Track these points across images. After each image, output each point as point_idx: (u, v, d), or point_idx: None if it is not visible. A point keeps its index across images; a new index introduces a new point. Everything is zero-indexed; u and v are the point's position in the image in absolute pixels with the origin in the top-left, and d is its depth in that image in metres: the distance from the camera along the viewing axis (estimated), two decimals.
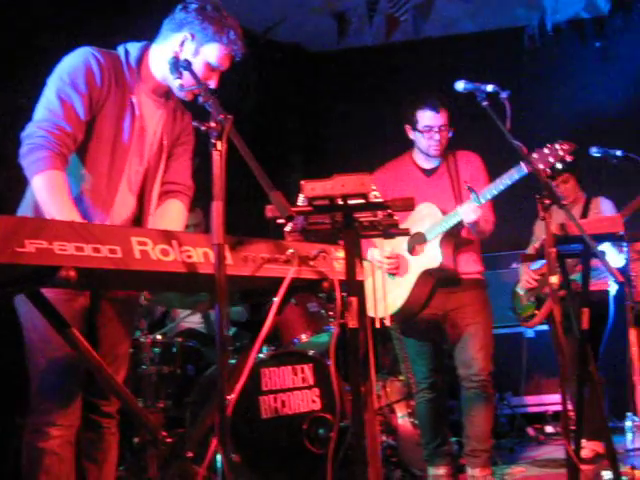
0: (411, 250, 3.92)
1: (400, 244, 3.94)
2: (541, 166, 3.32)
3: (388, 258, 3.90)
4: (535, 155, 3.36)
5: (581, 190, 4.97)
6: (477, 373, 3.87)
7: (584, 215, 4.79)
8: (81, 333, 2.28)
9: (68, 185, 2.47)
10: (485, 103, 3.16)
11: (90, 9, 5.01)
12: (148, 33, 2.78)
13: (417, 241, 3.88)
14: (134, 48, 2.73)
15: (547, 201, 2.97)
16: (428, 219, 3.83)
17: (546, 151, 3.33)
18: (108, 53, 2.68)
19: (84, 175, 2.62)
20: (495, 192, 3.63)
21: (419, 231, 3.86)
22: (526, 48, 6.39)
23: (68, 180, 2.50)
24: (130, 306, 2.83)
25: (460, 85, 3.26)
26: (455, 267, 3.88)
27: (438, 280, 3.86)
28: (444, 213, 3.80)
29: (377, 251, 3.90)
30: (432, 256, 3.81)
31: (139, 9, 5.13)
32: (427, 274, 3.83)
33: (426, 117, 3.97)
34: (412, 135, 4.07)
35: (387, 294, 3.82)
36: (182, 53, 2.62)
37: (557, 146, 3.34)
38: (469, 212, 3.67)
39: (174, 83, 2.49)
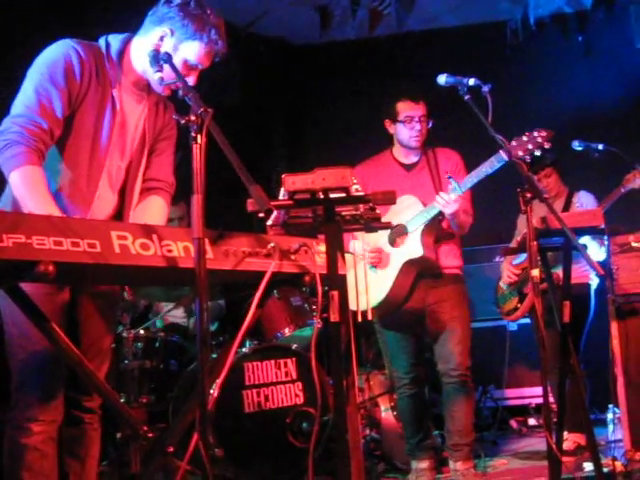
0: (392, 242, 3.93)
1: (382, 236, 3.94)
2: (520, 153, 3.36)
3: (370, 252, 3.90)
4: (514, 143, 3.40)
5: (563, 184, 4.99)
6: (455, 367, 3.89)
7: (566, 209, 4.81)
8: (62, 328, 2.27)
9: (46, 180, 2.45)
10: (467, 97, 3.17)
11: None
12: (134, 25, 2.76)
13: (398, 233, 3.89)
14: (116, 40, 2.70)
15: (529, 195, 2.99)
16: (409, 211, 3.84)
17: (524, 138, 3.38)
18: (89, 45, 2.64)
19: (63, 170, 2.59)
20: (475, 180, 3.66)
21: (400, 223, 3.87)
22: (509, 42, 6.40)
23: (47, 175, 2.47)
24: (111, 300, 2.81)
25: (442, 79, 3.27)
26: (436, 258, 3.89)
27: (420, 271, 3.87)
28: (425, 205, 3.80)
29: (359, 243, 3.90)
30: (413, 247, 3.82)
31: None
32: (409, 265, 3.84)
33: (406, 107, 4.00)
34: (392, 129, 4.08)
35: (369, 287, 3.81)
36: (161, 48, 2.58)
37: (535, 133, 3.37)
38: (450, 203, 3.68)
39: (154, 76, 2.47)
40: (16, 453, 2.50)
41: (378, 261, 3.91)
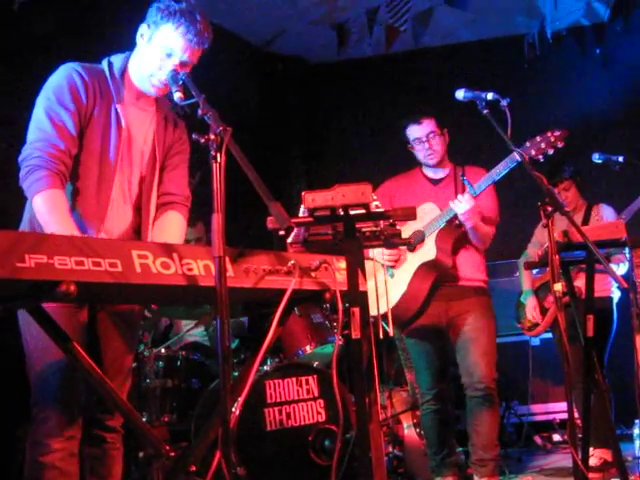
0: (412, 248, 3.93)
1: None
2: (533, 152, 3.42)
3: (390, 254, 3.90)
4: (527, 144, 3.44)
5: (582, 197, 4.96)
6: (480, 380, 3.84)
7: (585, 222, 4.78)
8: (83, 346, 2.27)
9: (67, 203, 2.49)
10: (485, 111, 3.16)
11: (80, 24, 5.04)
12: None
13: (417, 239, 3.90)
14: (118, 59, 2.78)
15: (549, 208, 2.96)
16: (427, 217, 3.89)
17: (538, 139, 3.41)
18: (91, 68, 2.72)
19: (74, 188, 2.64)
20: (489, 182, 3.71)
21: (419, 229, 3.88)
22: (526, 56, 6.39)
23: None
24: (132, 319, 2.82)
25: (460, 94, 3.27)
26: (452, 262, 3.89)
27: (436, 277, 3.86)
28: (442, 210, 3.85)
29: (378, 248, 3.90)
30: (427, 250, 3.85)
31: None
32: (424, 269, 3.84)
33: (412, 131, 4.09)
34: (413, 152, 4.14)
35: (384, 295, 3.81)
36: (140, 46, 2.69)
37: (549, 133, 3.42)
38: (461, 204, 3.71)
39: (174, 96, 2.49)
40: (35, 471, 2.49)
41: (396, 261, 3.90)
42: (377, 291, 3.64)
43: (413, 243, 3.91)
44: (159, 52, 2.66)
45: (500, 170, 3.63)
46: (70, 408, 2.55)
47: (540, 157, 3.43)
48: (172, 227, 2.82)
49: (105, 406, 2.68)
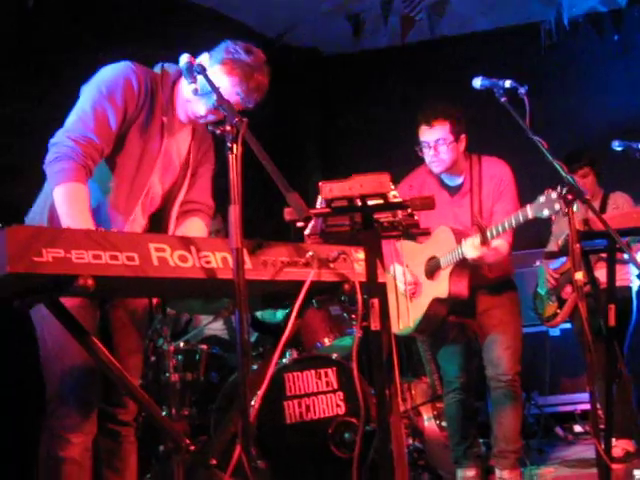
0: (429, 275, 3.89)
1: (419, 265, 3.91)
2: (546, 212, 3.24)
3: (409, 284, 3.87)
4: (542, 199, 3.26)
5: (599, 185, 4.90)
6: (504, 373, 3.82)
7: (602, 210, 4.72)
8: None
9: (89, 198, 2.47)
10: (503, 99, 3.12)
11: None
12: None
13: (434, 266, 3.85)
14: (171, 69, 2.75)
15: (570, 196, 2.93)
16: (443, 245, 3.75)
17: (553, 196, 3.19)
18: (147, 71, 2.70)
19: (109, 186, 2.64)
20: (500, 230, 3.53)
21: (435, 255, 3.83)
22: (543, 44, 6.33)
23: (93, 188, 2.52)
24: (140, 316, 2.81)
25: (477, 82, 3.23)
26: (469, 293, 3.78)
27: (451, 307, 3.82)
28: (458, 241, 3.69)
29: (400, 270, 3.83)
30: (441, 287, 3.77)
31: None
32: (437, 303, 3.80)
33: (422, 132, 3.87)
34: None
35: (402, 313, 3.81)
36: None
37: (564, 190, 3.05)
38: (471, 249, 3.58)
39: (188, 88, 2.48)
40: (53, 465, 2.50)
41: (413, 294, 3.89)
42: (398, 308, 3.65)
43: (427, 271, 3.87)
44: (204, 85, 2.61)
45: (512, 222, 3.47)
46: (89, 404, 2.57)
47: (554, 218, 3.32)
48: (192, 232, 2.79)
49: (117, 400, 2.70)
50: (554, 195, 3.19)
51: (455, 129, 3.84)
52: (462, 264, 3.72)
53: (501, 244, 3.76)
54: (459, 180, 3.96)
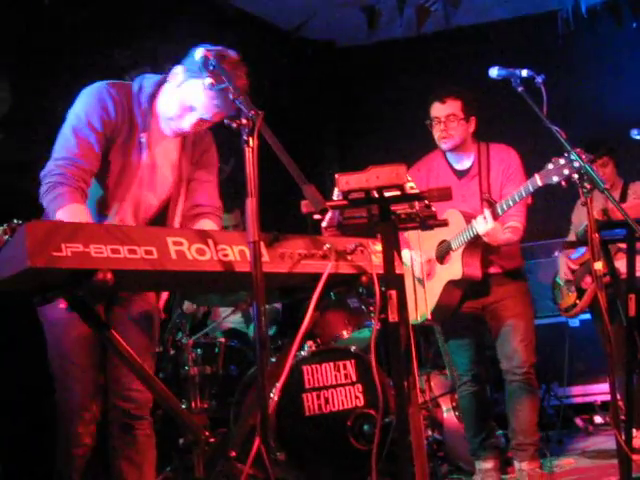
0: (440, 258, 3.88)
1: (429, 250, 3.91)
2: (555, 179, 3.24)
3: (421, 265, 3.86)
4: (550, 166, 3.27)
5: (618, 175, 4.86)
6: (519, 365, 3.80)
7: (622, 200, 4.68)
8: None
9: (90, 216, 2.54)
10: (520, 89, 3.11)
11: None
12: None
13: (445, 250, 3.85)
14: (149, 84, 2.76)
15: (588, 186, 2.91)
16: (453, 227, 3.70)
17: (562, 161, 3.20)
18: (122, 87, 2.73)
19: (102, 204, 2.73)
20: (511, 203, 3.53)
21: (445, 239, 3.82)
22: (560, 33, 6.27)
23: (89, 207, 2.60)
24: (146, 318, 2.85)
25: (494, 72, 3.21)
26: (482, 273, 3.79)
27: (466, 289, 3.81)
28: (468, 221, 3.71)
29: (407, 252, 3.86)
30: (455, 268, 3.76)
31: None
32: (452, 286, 3.79)
33: (434, 109, 3.93)
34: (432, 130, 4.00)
35: (419, 299, 3.78)
36: (170, 86, 2.70)
37: (573, 156, 3.14)
38: (483, 223, 3.58)
39: (205, 82, 2.48)
40: (68, 463, 2.68)
41: (427, 274, 3.88)
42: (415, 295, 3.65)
43: (438, 255, 3.87)
44: (184, 102, 2.67)
45: (522, 193, 3.48)
46: (95, 408, 2.70)
47: (564, 183, 3.25)
48: None
49: (128, 396, 2.76)
50: (562, 161, 3.19)
51: (466, 108, 3.90)
52: (474, 244, 3.72)
53: (514, 225, 3.78)
54: (467, 164, 3.98)
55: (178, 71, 2.69)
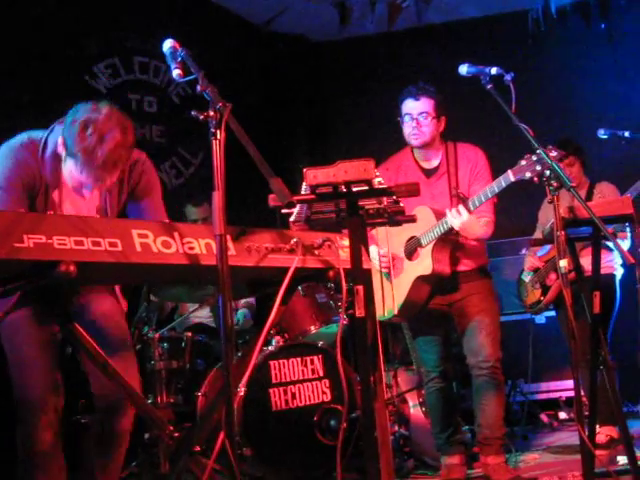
0: (409, 255, 3.88)
1: (397, 247, 3.91)
2: (528, 175, 3.26)
3: (382, 256, 3.86)
4: (523, 162, 3.28)
5: (585, 175, 4.91)
6: (486, 360, 3.83)
7: (588, 200, 4.72)
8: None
9: None
10: (489, 86, 3.13)
11: None
12: None
13: (413, 246, 3.85)
14: (51, 142, 2.68)
15: (555, 184, 2.93)
16: (422, 223, 3.72)
17: (534, 158, 3.22)
18: (28, 149, 2.66)
19: None
20: (483, 199, 3.55)
21: (414, 235, 3.82)
22: (530, 32, 6.32)
23: None
24: (117, 313, 2.83)
25: (463, 69, 3.23)
26: (451, 270, 3.81)
27: (434, 285, 3.82)
28: (438, 218, 3.72)
29: (374, 248, 3.85)
30: (425, 263, 3.77)
31: None
32: (421, 281, 3.79)
33: (406, 105, 3.92)
34: (402, 127, 3.99)
35: (386, 295, 3.78)
36: (63, 155, 2.61)
37: (546, 152, 3.12)
38: (457, 216, 3.59)
39: (173, 73, 2.45)
40: (28, 459, 2.66)
41: (388, 268, 3.86)
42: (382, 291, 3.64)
43: (407, 251, 3.87)
44: (79, 169, 2.57)
45: (494, 188, 3.49)
46: (49, 402, 2.66)
47: (536, 179, 3.24)
48: None
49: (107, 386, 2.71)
50: (535, 157, 3.21)
51: (438, 108, 3.91)
52: (444, 240, 3.74)
53: (487, 219, 3.80)
54: (435, 162, 3.99)
55: (61, 142, 2.61)
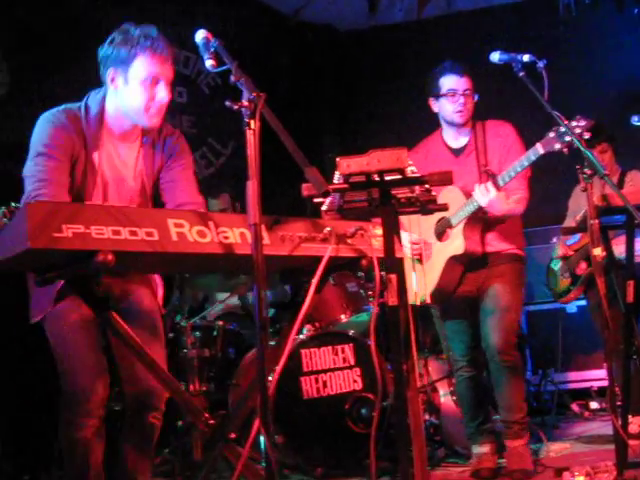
0: (439, 236, 3.86)
1: (428, 230, 3.89)
2: (557, 146, 3.21)
3: (413, 243, 3.85)
4: (551, 134, 3.24)
5: (616, 162, 4.85)
6: (494, 346, 3.76)
7: (619, 188, 4.67)
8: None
9: None
10: (522, 73, 3.10)
11: None
12: None
13: (443, 227, 3.83)
14: (94, 102, 2.75)
15: (588, 172, 2.91)
16: (453, 203, 3.61)
17: (562, 129, 3.17)
18: (69, 115, 2.70)
19: None
20: (513, 174, 3.49)
21: (444, 216, 3.79)
22: (562, 18, 6.25)
23: None
24: (150, 314, 2.84)
25: (495, 56, 3.21)
26: (483, 249, 3.78)
27: (466, 264, 3.79)
28: (468, 196, 3.69)
29: (405, 234, 3.84)
30: (456, 243, 3.74)
31: None
32: (453, 261, 3.77)
33: (450, 81, 3.84)
34: (436, 107, 3.93)
35: (418, 280, 3.76)
36: (118, 89, 2.68)
37: (574, 123, 3.12)
38: (485, 193, 3.54)
39: (206, 63, 2.47)
40: (69, 445, 2.69)
41: (420, 254, 3.85)
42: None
43: (438, 232, 3.85)
44: (142, 86, 2.66)
45: (523, 163, 3.43)
46: (97, 392, 2.68)
47: (565, 150, 3.21)
48: None
49: (144, 386, 2.75)
50: (563, 129, 3.17)
51: (474, 85, 3.87)
52: (474, 219, 3.71)
53: (518, 196, 3.74)
54: (464, 141, 3.95)
55: (111, 74, 2.69)
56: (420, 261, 3.86)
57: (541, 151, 3.33)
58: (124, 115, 2.74)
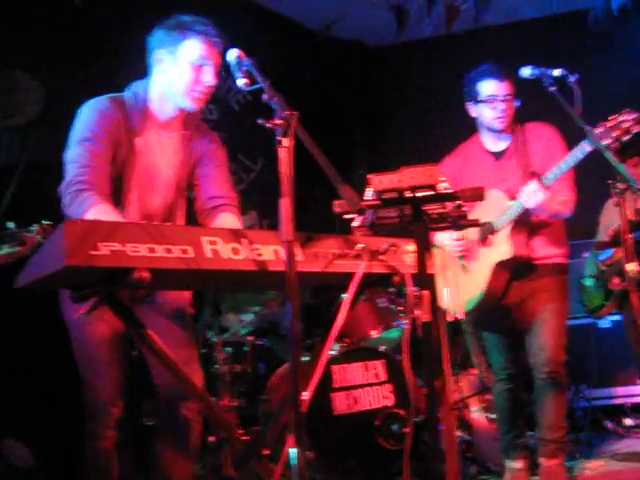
0: (483, 240, 3.81)
1: (470, 232, 3.78)
2: (605, 142, 3.15)
3: (457, 240, 3.78)
4: (598, 130, 3.17)
5: None
6: (546, 363, 3.73)
7: None
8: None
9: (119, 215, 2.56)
10: (553, 88, 3.09)
11: None
12: None
13: (487, 231, 3.75)
14: (140, 89, 2.81)
15: (621, 186, 2.89)
16: (495, 207, 3.64)
17: (610, 125, 3.13)
18: (117, 98, 2.76)
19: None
20: (558, 173, 3.41)
21: (487, 220, 3.71)
22: (592, 31, 6.22)
23: None
24: (177, 314, 2.86)
25: (526, 71, 3.20)
26: (529, 253, 3.70)
27: (514, 270, 3.72)
28: (512, 199, 3.62)
29: (445, 234, 3.76)
30: (503, 248, 3.67)
31: None
32: (501, 267, 3.69)
33: (489, 86, 3.75)
34: (474, 112, 3.86)
35: (462, 287, 3.72)
36: (166, 70, 2.73)
37: (622, 117, 3.11)
38: (531, 194, 3.46)
39: (238, 82, 2.50)
40: (93, 454, 2.77)
41: (466, 250, 3.79)
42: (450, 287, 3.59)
43: (482, 237, 3.78)
44: (191, 67, 2.71)
45: (569, 162, 3.37)
46: (115, 406, 2.76)
47: (614, 146, 3.13)
48: (227, 226, 2.81)
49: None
50: (610, 124, 3.13)
51: (515, 90, 3.77)
52: (520, 222, 3.62)
53: (564, 198, 3.64)
54: (503, 145, 3.87)
55: (161, 55, 2.74)
56: (463, 260, 3.81)
57: (588, 148, 3.26)
58: (168, 99, 2.76)
